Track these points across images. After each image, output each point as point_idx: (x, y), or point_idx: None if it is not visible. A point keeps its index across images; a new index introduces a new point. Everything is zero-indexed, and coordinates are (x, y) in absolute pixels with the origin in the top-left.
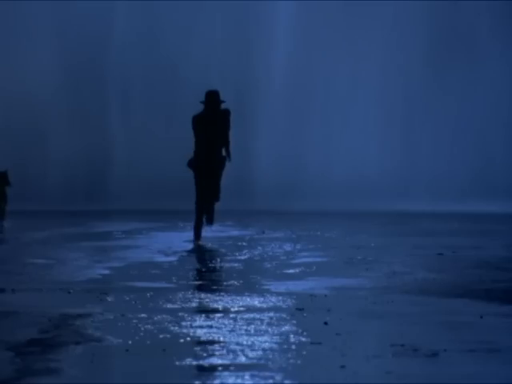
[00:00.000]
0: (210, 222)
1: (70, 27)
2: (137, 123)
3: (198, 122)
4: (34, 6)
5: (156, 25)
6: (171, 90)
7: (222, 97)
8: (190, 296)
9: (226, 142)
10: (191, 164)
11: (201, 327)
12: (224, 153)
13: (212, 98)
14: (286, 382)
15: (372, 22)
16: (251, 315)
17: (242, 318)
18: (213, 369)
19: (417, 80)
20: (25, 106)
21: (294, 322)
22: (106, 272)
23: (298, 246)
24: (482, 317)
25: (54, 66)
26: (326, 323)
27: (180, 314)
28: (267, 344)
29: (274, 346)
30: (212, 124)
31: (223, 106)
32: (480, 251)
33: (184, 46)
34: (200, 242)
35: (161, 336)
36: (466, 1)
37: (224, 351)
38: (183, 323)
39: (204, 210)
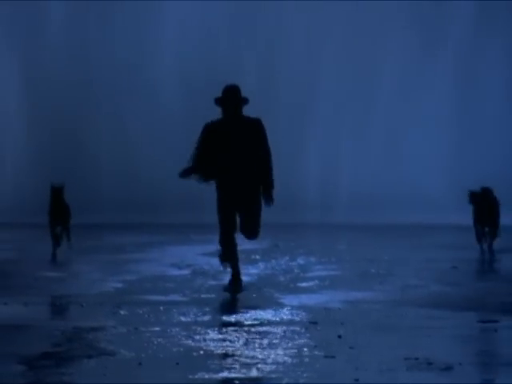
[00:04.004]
0: (255, 236)
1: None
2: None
3: (213, 132)
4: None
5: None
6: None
7: (243, 93)
8: (203, 309)
9: (265, 172)
10: (187, 172)
11: (214, 340)
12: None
13: (231, 94)
14: None
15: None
16: (265, 328)
17: (255, 332)
18: (226, 382)
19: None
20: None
21: (308, 335)
22: (119, 285)
23: (312, 259)
24: (496, 330)
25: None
26: (339, 336)
27: (193, 327)
28: (281, 357)
29: (288, 359)
30: (236, 135)
31: (248, 111)
32: (494, 264)
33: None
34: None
35: (174, 349)
36: None
37: (237, 365)
38: (196, 336)
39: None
